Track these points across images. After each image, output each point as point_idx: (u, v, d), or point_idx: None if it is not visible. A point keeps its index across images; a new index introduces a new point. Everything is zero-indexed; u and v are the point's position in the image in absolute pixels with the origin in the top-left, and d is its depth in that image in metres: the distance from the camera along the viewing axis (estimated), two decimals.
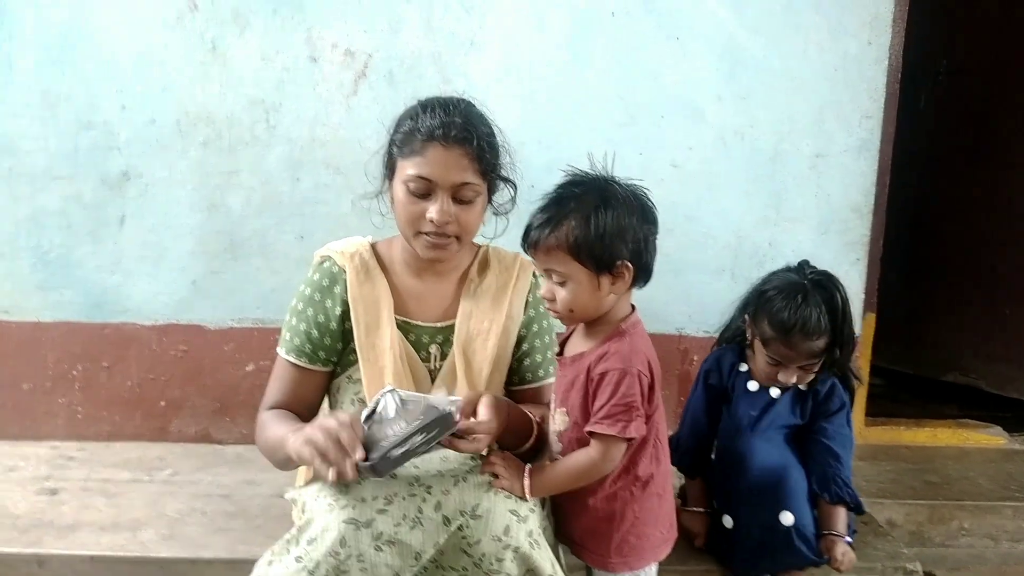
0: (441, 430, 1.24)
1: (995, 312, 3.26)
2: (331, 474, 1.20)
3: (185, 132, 2.38)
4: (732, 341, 1.92)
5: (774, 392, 1.79)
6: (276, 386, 1.55)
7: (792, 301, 1.66)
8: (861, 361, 2.67)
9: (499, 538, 1.27)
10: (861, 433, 2.77)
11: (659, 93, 2.46)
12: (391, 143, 1.48)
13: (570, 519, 1.41)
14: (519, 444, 1.44)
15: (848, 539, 1.75)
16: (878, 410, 2.91)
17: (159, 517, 2.01)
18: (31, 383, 2.46)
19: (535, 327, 1.60)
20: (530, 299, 1.59)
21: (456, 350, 1.52)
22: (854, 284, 2.58)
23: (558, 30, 2.40)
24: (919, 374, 3.48)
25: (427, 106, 1.44)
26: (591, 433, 1.30)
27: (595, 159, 1.36)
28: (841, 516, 1.73)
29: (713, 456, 1.88)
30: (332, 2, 2.35)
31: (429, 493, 1.29)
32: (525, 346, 1.59)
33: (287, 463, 1.43)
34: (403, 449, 1.21)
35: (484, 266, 1.60)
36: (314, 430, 1.23)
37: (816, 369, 1.73)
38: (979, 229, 3.30)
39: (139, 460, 2.36)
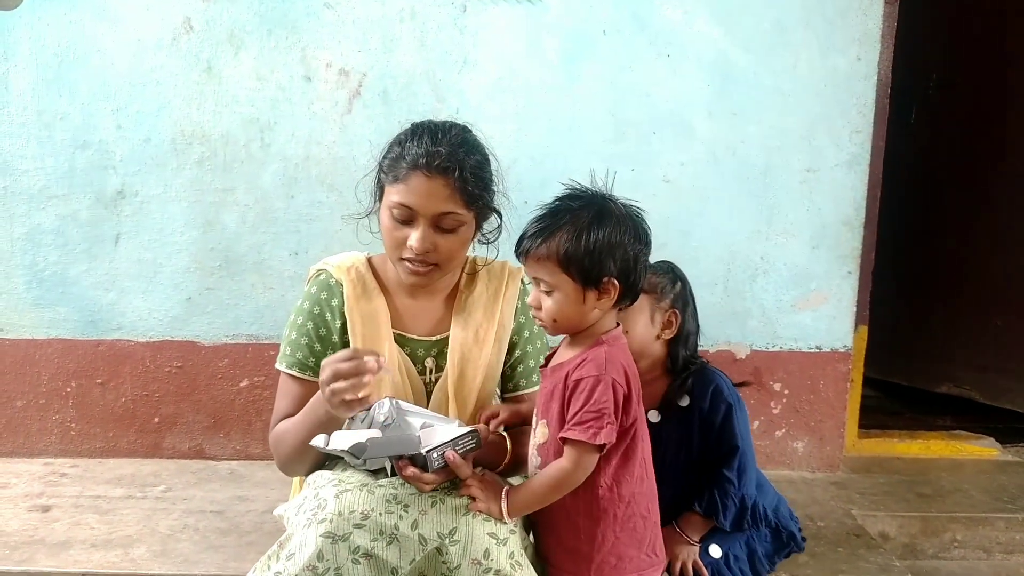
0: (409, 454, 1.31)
1: (987, 323, 3.28)
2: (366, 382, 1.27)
3: (180, 151, 2.40)
4: None
5: (652, 416, 1.63)
6: (283, 403, 1.55)
7: None
8: (854, 373, 2.69)
9: (479, 562, 1.27)
10: (855, 445, 2.78)
11: (650, 110, 2.48)
12: (380, 166, 1.49)
13: (548, 540, 1.39)
14: (494, 465, 1.46)
15: (695, 543, 1.60)
16: (871, 422, 2.92)
17: (151, 534, 2.01)
18: (24, 400, 2.46)
19: (526, 333, 1.61)
20: (519, 306, 1.60)
21: (451, 362, 1.54)
22: (846, 297, 2.60)
23: (550, 48, 2.43)
24: (913, 385, 3.49)
25: (416, 131, 1.45)
26: (564, 440, 1.30)
27: (596, 175, 1.37)
28: (697, 522, 1.61)
29: None
30: (326, 22, 2.37)
31: (406, 511, 1.29)
32: (517, 352, 1.61)
33: (314, 429, 1.40)
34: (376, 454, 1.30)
35: (473, 277, 1.62)
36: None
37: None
38: (971, 241, 3.33)
39: (132, 476, 2.36)
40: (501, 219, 1.55)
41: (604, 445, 1.29)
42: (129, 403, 2.48)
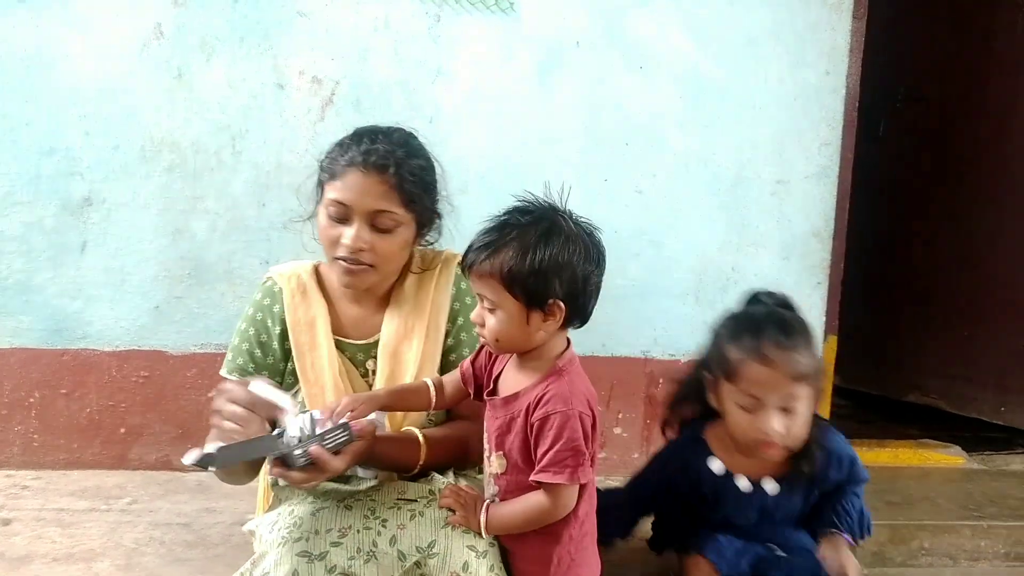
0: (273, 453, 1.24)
1: (954, 333, 3.34)
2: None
3: (149, 158, 2.37)
4: (687, 401, 1.63)
5: (769, 487, 1.52)
6: None
7: (755, 312, 1.48)
8: (824, 383, 2.71)
9: (458, 575, 1.27)
10: None
11: (623, 121, 2.50)
12: (320, 166, 1.49)
13: (507, 560, 1.36)
14: (409, 466, 1.41)
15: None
16: (841, 431, 2.91)
17: (116, 547, 1.97)
18: None
19: (460, 320, 1.55)
20: (454, 291, 1.55)
21: (381, 359, 1.49)
22: (816, 307, 2.63)
23: (524, 59, 2.44)
24: (882, 394, 3.54)
25: (358, 133, 1.46)
26: (539, 483, 1.25)
27: (551, 188, 1.31)
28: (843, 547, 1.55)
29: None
30: (299, 30, 2.36)
31: (384, 527, 1.28)
32: (450, 340, 1.54)
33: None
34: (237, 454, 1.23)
35: (407, 270, 1.57)
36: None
37: (802, 407, 1.41)
38: (939, 252, 3.39)
39: (96, 489, 2.31)
40: (441, 220, 1.54)
41: (584, 484, 1.26)
42: (94, 413, 2.43)
